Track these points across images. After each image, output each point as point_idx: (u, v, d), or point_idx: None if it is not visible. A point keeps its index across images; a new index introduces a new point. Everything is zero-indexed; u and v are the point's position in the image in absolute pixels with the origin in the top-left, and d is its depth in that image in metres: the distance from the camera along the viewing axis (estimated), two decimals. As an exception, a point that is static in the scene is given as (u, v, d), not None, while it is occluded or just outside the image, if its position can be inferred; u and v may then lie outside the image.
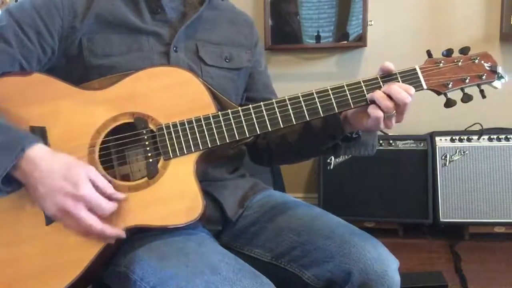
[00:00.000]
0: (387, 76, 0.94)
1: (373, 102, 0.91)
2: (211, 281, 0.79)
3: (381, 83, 0.93)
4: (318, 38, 2.67)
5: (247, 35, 1.18)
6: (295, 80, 2.72)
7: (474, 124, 2.40)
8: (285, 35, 2.69)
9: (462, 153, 2.36)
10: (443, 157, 2.37)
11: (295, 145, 1.10)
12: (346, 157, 2.43)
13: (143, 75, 0.95)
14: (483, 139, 2.35)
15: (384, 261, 0.92)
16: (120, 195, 0.87)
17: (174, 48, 1.04)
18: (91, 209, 0.83)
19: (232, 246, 1.06)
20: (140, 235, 0.92)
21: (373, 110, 0.90)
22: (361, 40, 2.60)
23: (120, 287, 0.91)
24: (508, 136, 2.33)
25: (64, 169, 0.83)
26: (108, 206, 0.85)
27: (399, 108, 0.90)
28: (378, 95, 0.90)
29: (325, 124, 1.01)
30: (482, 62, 0.95)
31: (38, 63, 0.98)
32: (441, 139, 2.39)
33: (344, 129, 0.99)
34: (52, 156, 0.85)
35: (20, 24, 0.96)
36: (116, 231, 0.86)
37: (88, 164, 0.88)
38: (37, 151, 0.84)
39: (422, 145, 2.40)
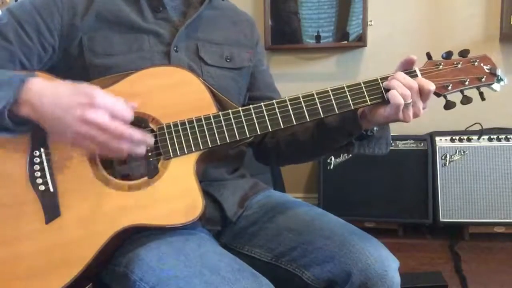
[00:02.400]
0: (388, 77, 0.94)
1: (388, 91, 0.91)
2: (210, 282, 0.79)
3: (381, 84, 0.93)
4: (318, 38, 2.67)
5: (247, 35, 1.18)
6: (295, 80, 2.72)
7: (474, 124, 2.40)
8: (285, 35, 2.69)
9: (462, 153, 2.36)
10: (443, 157, 2.37)
11: (307, 144, 1.09)
12: (346, 157, 2.43)
13: (143, 75, 0.95)
14: (483, 139, 2.35)
15: (384, 261, 0.92)
16: (133, 104, 0.86)
17: (175, 48, 1.04)
18: (114, 116, 0.81)
19: (232, 246, 1.06)
20: (140, 234, 0.92)
21: (393, 97, 0.89)
22: (361, 40, 2.60)
23: (120, 287, 0.91)
24: (508, 136, 2.33)
25: (71, 89, 0.83)
26: (128, 111, 0.83)
27: (423, 95, 0.90)
28: (395, 83, 0.90)
29: (342, 121, 1.00)
30: (482, 64, 0.96)
31: (39, 61, 0.99)
32: (441, 139, 2.39)
33: (361, 126, 0.98)
34: (54, 83, 0.85)
35: (21, 22, 0.96)
36: (143, 135, 0.84)
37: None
38: (37, 81, 0.84)
39: (422, 145, 2.40)
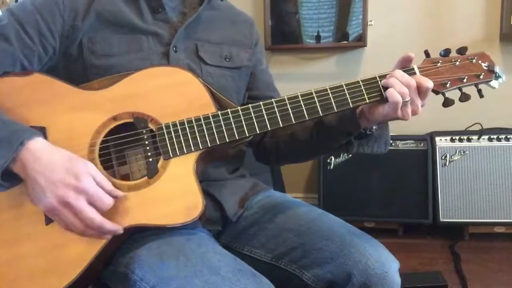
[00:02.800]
0: (386, 75, 0.94)
1: (386, 89, 0.91)
2: (211, 281, 0.79)
3: (379, 82, 0.93)
4: (318, 38, 2.67)
5: (246, 34, 1.18)
6: (295, 80, 2.72)
7: (474, 124, 2.40)
8: (285, 35, 2.69)
9: (462, 153, 2.36)
10: (443, 157, 2.37)
11: (306, 143, 1.09)
12: (346, 157, 2.43)
13: (142, 75, 0.95)
14: (483, 139, 2.35)
15: (385, 262, 0.92)
16: (119, 193, 0.87)
17: (174, 48, 1.04)
18: (92, 203, 0.83)
19: (232, 247, 1.06)
20: (140, 235, 0.92)
21: (391, 95, 0.90)
22: (361, 40, 2.60)
23: (120, 287, 0.91)
24: (508, 136, 2.33)
25: (65, 162, 0.83)
26: (109, 201, 0.84)
27: (421, 93, 0.91)
28: (393, 81, 0.90)
29: (341, 120, 1.00)
30: (480, 61, 0.96)
31: (39, 62, 0.98)
32: (441, 139, 2.39)
33: (360, 125, 0.98)
34: (52, 150, 0.84)
35: (22, 23, 0.96)
36: (115, 226, 0.85)
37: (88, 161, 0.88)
38: (37, 144, 0.83)
39: (422, 145, 2.40)
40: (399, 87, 0.89)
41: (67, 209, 0.82)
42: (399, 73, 0.92)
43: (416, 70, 0.94)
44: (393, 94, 0.89)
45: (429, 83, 0.91)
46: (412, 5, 2.60)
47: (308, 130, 1.08)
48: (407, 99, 0.90)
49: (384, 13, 2.61)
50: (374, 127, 1.00)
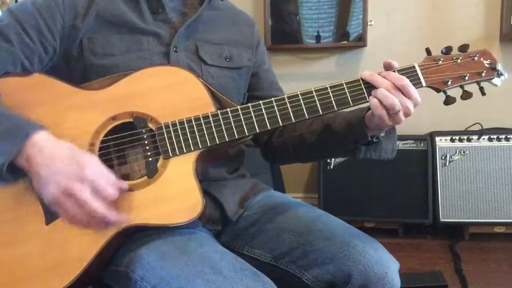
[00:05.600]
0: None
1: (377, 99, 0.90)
2: (212, 281, 0.79)
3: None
4: (318, 38, 2.67)
5: (247, 35, 1.18)
6: (295, 80, 2.72)
7: (474, 124, 2.40)
8: (285, 35, 2.69)
9: (462, 153, 2.36)
10: (443, 157, 2.37)
11: (313, 146, 1.09)
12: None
13: (142, 75, 0.95)
14: (483, 139, 2.35)
15: (384, 263, 0.92)
16: (124, 184, 0.86)
17: (174, 48, 1.04)
18: (96, 193, 0.82)
19: (232, 247, 1.06)
20: (140, 234, 0.92)
21: (375, 109, 0.89)
22: (361, 40, 2.60)
23: (121, 287, 0.91)
24: (508, 136, 2.33)
25: (68, 154, 0.83)
26: (113, 191, 0.83)
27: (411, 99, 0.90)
28: (380, 93, 0.89)
29: (348, 127, 1.00)
30: (482, 59, 0.95)
31: (40, 62, 0.98)
32: (441, 139, 2.39)
33: (367, 133, 0.97)
34: (56, 142, 0.84)
35: (22, 23, 0.96)
36: (118, 217, 0.84)
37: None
38: (40, 137, 0.83)
39: (422, 145, 2.40)
40: (386, 101, 0.88)
41: (71, 200, 0.81)
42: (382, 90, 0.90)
43: (417, 68, 0.94)
44: (377, 108, 0.89)
45: (404, 80, 0.89)
46: (412, 5, 2.60)
47: (315, 133, 1.07)
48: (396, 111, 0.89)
49: (384, 13, 2.61)
50: (381, 135, 0.99)
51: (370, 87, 0.92)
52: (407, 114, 0.91)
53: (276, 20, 2.68)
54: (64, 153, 0.83)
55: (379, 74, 0.92)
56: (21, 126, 0.84)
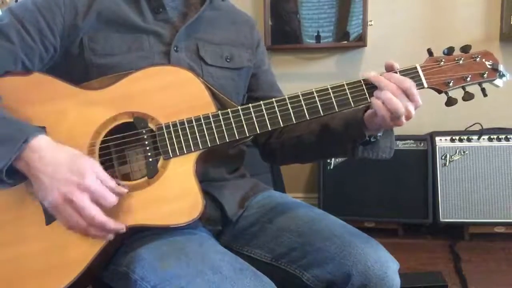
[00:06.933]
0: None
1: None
2: (212, 281, 0.79)
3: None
4: (318, 38, 2.67)
5: (247, 35, 1.18)
6: (295, 80, 2.72)
7: (474, 124, 2.41)
8: (285, 35, 2.69)
9: (462, 153, 2.36)
10: (443, 157, 2.37)
11: (312, 146, 1.09)
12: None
13: (142, 75, 0.95)
14: (483, 139, 2.35)
15: (384, 263, 0.92)
16: (123, 190, 0.87)
17: (175, 48, 1.03)
18: (95, 201, 0.83)
19: (232, 247, 1.06)
20: (141, 234, 0.92)
21: (379, 109, 0.89)
22: (361, 40, 2.60)
23: (121, 287, 0.91)
24: (508, 136, 2.33)
25: (69, 160, 0.83)
26: (112, 198, 0.84)
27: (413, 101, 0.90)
28: (385, 96, 0.89)
29: (346, 127, 1.00)
30: (484, 60, 0.95)
31: (40, 61, 0.98)
32: (441, 139, 2.39)
33: (365, 133, 0.97)
34: (56, 147, 0.84)
35: (22, 22, 0.95)
36: (117, 224, 0.85)
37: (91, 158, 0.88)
38: (41, 142, 0.83)
39: (422, 145, 2.40)
40: (391, 105, 0.88)
41: (71, 206, 0.81)
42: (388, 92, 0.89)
43: (419, 69, 0.93)
44: (380, 109, 0.89)
45: (407, 83, 0.89)
46: (412, 5, 2.60)
47: (314, 133, 1.07)
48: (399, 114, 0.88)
49: (384, 13, 2.61)
50: (379, 134, 0.99)
51: (371, 88, 0.92)
52: (408, 117, 0.91)
53: (276, 20, 2.68)
54: (65, 160, 0.83)
55: (381, 75, 0.92)
56: (21, 131, 0.83)
